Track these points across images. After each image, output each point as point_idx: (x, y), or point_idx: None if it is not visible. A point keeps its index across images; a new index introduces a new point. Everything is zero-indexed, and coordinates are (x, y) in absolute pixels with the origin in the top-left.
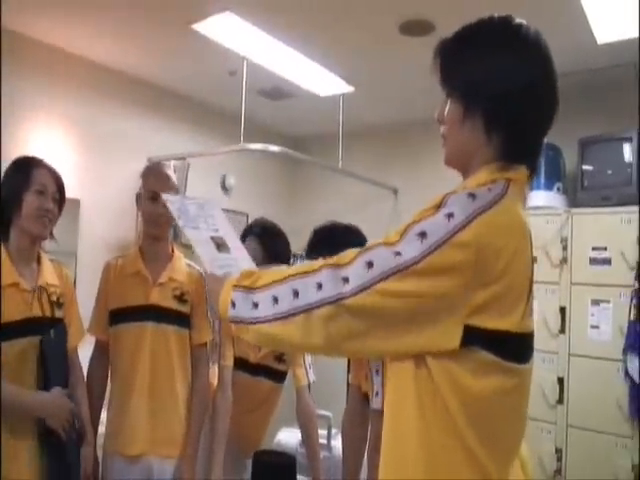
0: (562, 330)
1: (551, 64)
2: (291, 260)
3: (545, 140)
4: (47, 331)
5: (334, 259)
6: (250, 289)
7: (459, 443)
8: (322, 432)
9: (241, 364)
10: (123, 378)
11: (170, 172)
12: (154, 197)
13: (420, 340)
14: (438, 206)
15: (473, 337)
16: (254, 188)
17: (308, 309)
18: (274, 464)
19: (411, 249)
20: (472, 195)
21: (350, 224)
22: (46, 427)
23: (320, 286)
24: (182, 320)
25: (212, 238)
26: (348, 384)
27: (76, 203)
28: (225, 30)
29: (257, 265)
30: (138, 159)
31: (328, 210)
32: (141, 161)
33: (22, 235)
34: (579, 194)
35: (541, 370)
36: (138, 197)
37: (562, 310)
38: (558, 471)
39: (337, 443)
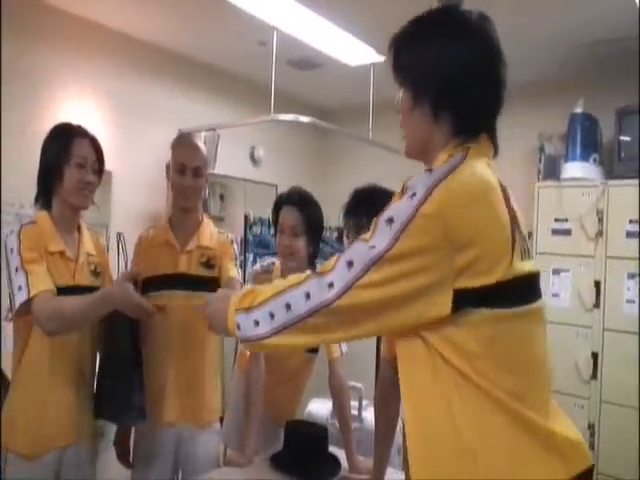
0: (596, 304)
1: (492, 44)
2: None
3: (580, 110)
4: None
5: (320, 268)
6: (249, 309)
7: (486, 404)
8: (353, 403)
9: None
10: (154, 347)
11: (200, 143)
12: (182, 169)
13: (411, 315)
14: (402, 192)
15: (463, 299)
16: (283, 159)
17: (300, 320)
18: (306, 434)
19: (382, 239)
20: (430, 171)
21: (390, 189)
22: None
23: (308, 295)
24: (211, 285)
25: None
26: (377, 356)
27: (108, 175)
28: (256, 0)
29: (295, 233)
30: (169, 130)
31: (358, 181)
32: (172, 132)
33: (64, 205)
34: (616, 165)
35: (574, 345)
36: (168, 168)
37: (597, 284)
38: (591, 446)
39: (368, 414)
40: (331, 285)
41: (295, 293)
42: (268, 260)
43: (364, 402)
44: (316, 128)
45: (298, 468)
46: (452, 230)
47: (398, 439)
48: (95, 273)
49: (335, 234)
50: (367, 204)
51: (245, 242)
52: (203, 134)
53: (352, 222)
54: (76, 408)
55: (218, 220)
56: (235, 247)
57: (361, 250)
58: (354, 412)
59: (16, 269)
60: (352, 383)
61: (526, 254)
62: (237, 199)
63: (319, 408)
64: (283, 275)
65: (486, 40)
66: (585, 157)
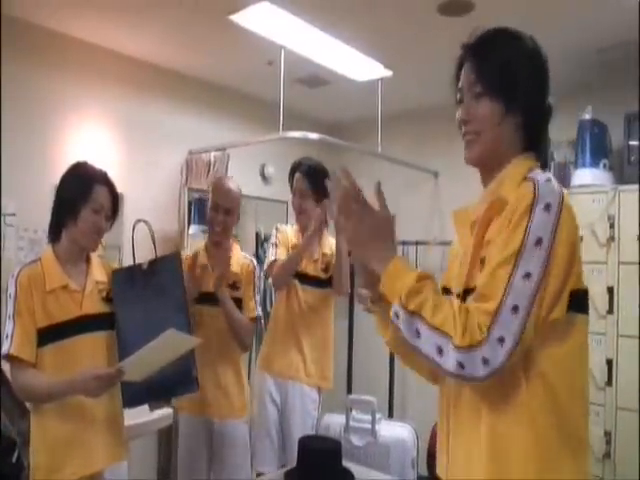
0: (610, 311)
1: (546, 62)
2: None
3: (589, 116)
4: (99, 327)
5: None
6: (413, 314)
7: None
8: (366, 417)
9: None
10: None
11: (233, 186)
12: (215, 208)
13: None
14: (531, 203)
15: (571, 302)
16: None
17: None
18: (320, 449)
19: (535, 263)
20: (533, 180)
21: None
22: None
23: (462, 365)
24: (234, 303)
25: None
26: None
27: (120, 197)
28: (262, 20)
29: (304, 195)
30: (179, 152)
31: (368, 196)
32: (182, 153)
33: (73, 244)
34: (626, 170)
35: (589, 351)
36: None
37: (610, 290)
38: (607, 455)
39: (381, 428)
40: (485, 362)
41: (449, 349)
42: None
43: (377, 416)
44: (325, 144)
45: None
46: (576, 236)
47: (412, 452)
48: (107, 299)
49: None
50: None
51: (257, 259)
52: (212, 154)
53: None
54: (106, 429)
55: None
56: (257, 273)
57: (520, 287)
58: (367, 426)
59: (9, 316)
60: (365, 397)
61: None
62: (248, 217)
63: (333, 422)
64: (302, 232)
65: (542, 55)
66: (595, 163)
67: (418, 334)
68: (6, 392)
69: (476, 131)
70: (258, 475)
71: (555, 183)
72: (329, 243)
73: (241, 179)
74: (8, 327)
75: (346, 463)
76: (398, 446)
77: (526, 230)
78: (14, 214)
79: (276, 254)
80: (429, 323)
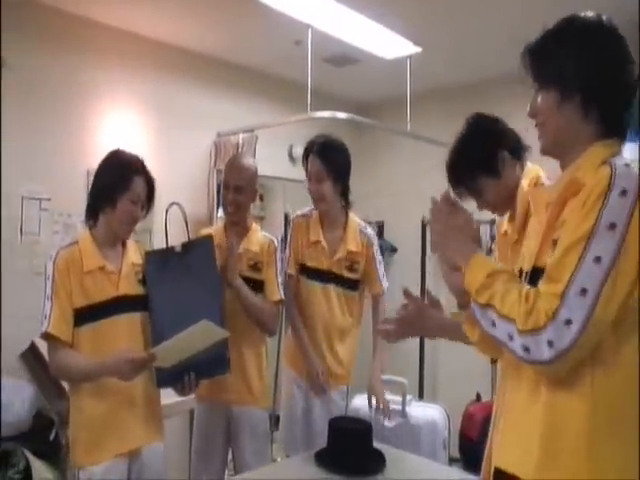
0: None
1: (621, 39)
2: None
3: None
4: (135, 308)
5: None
6: (486, 307)
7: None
8: (397, 398)
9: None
10: None
11: (247, 164)
12: (226, 186)
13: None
14: (607, 188)
15: None
16: None
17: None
18: (350, 430)
19: (606, 248)
20: (627, 165)
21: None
22: None
23: (527, 349)
24: (257, 286)
25: None
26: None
27: None
28: None
29: (320, 179)
30: (208, 134)
31: (397, 175)
32: (211, 136)
33: (109, 229)
34: None
35: None
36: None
37: None
38: None
39: (412, 409)
40: (550, 344)
41: (514, 336)
42: (308, 208)
43: (408, 397)
44: (354, 123)
45: (343, 464)
46: None
47: (443, 433)
48: (142, 281)
49: (375, 229)
50: None
51: (285, 240)
52: (241, 136)
53: None
54: (143, 409)
55: (259, 220)
56: (278, 253)
57: (588, 270)
58: (397, 407)
59: (47, 297)
60: (396, 378)
61: None
62: (277, 198)
63: (363, 403)
64: (321, 219)
65: (620, 38)
66: None
67: (494, 324)
68: (44, 373)
69: (541, 123)
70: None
71: (634, 169)
72: (356, 239)
73: (269, 161)
74: (46, 307)
75: (377, 444)
76: (429, 427)
77: (599, 214)
78: (49, 199)
79: (289, 264)
80: (499, 312)
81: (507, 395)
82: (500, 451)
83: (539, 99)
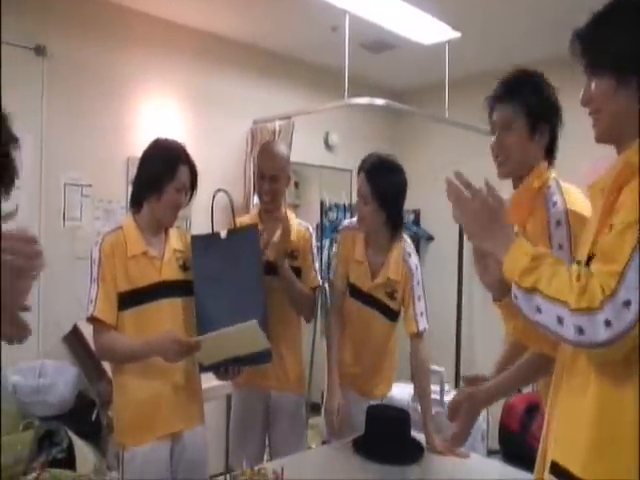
0: None
1: None
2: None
3: None
4: (177, 293)
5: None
6: (531, 291)
7: None
8: (435, 387)
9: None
10: None
11: (280, 151)
12: (262, 176)
13: None
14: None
15: None
16: (357, 144)
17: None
18: (388, 418)
19: None
20: None
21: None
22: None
23: (580, 330)
24: (295, 273)
25: None
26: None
27: None
28: None
29: (365, 201)
30: (245, 121)
31: (434, 162)
32: (248, 123)
33: (152, 217)
34: None
35: None
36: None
37: None
38: None
39: (449, 398)
40: (608, 324)
41: (567, 319)
42: (355, 219)
43: (445, 386)
44: (390, 110)
45: (380, 452)
46: None
47: (481, 425)
48: (184, 267)
49: (412, 216)
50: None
51: (321, 228)
52: (277, 123)
53: None
54: (185, 392)
55: (294, 207)
56: (313, 241)
57: None
58: (435, 396)
59: (93, 281)
60: (433, 367)
61: None
62: (312, 185)
63: (401, 392)
64: (365, 238)
65: None
66: None
67: (539, 310)
68: (86, 355)
69: (596, 110)
70: (323, 443)
71: None
72: (397, 268)
73: (305, 148)
74: (92, 291)
75: (414, 433)
76: None
77: None
78: (90, 185)
79: (336, 275)
80: (546, 295)
81: (561, 387)
82: (556, 445)
83: (592, 86)
